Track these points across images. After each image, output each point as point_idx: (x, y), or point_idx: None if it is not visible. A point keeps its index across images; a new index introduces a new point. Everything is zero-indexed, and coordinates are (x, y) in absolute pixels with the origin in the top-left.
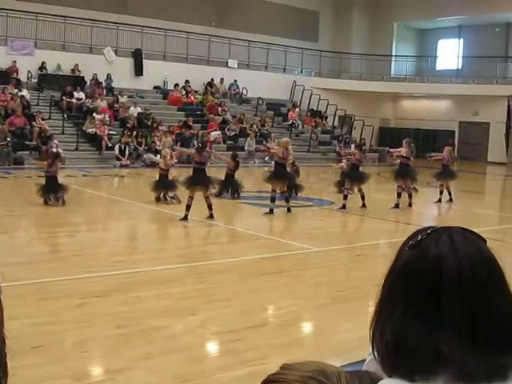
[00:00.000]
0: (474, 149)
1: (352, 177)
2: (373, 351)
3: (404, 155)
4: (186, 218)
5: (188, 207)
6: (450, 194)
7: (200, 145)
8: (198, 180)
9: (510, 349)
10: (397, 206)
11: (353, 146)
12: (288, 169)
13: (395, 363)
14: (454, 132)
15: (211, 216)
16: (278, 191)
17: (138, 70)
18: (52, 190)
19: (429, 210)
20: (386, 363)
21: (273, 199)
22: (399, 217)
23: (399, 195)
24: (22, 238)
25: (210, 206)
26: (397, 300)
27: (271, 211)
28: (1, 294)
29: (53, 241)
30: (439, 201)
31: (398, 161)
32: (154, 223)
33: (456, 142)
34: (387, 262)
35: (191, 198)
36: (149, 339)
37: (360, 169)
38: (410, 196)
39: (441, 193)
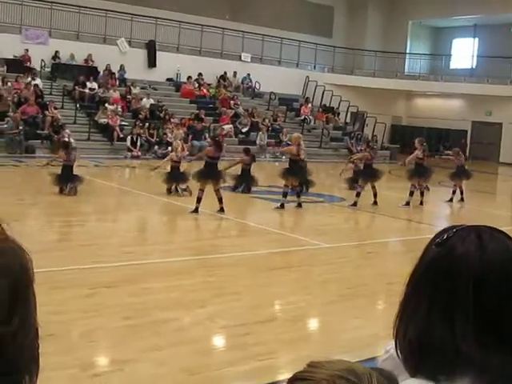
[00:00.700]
0: (487, 149)
1: (365, 174)
2: (396, 350)
3: (419, 156)
4: (196, 210)
5: (199, 200)
6: (461, 193)
7: (217, 140)
8: (209, 174)
9: None
10: (407, 203)
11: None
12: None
13: (418, 363)
14: (466, 131)
15: (222, 209)
16: (289, 186)
17: (152, 62)
18: (68, 179)
19: (440, 209)
20: (409, 362)
21: (285, 194)
22: (410, 215)
23: (412, 194)
24: (32, 226)
25: (220, 200)
26: (422, 298)
27: (282, 206)
28: (34, 283)
29: (63, 230)
30: (451, 200)
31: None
32: (165, 215)
33: (468, 142)
34: (397, 260)
35: (202, 190)
36: (157, 331)
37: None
38: (422, 194)
39: (453, 192)
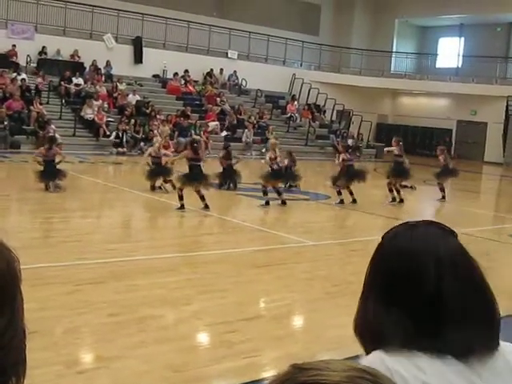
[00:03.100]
0: (471, 148)
1: (347, 176)
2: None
3: (396, 153)
4: (182, 207)
5: (181, 197)
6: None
7: (195, 144)
8: (194, 177)
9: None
10: (393, 199)
11: (350, 140)
12: (286, 161)
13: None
14: (451, 130)
15: (206, 206)
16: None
17: (138, 58)
18: (51, 176)
19: (425, 206)
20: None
21: (265, 192)
22: (395, 213)
23: (391, 190)
24: (17, 222)
25: (202, 197)
26: (375, 289)
27: (267, 203)
28: (21, 283)
29: (48, 226)
30: (443, 198)
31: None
32: (150, 212)
33: (453, 141)
34: None
35: (181, 190)
36: (142, 328)
37: (355, 166)
38: (398, 192)
39: (443, 190)
